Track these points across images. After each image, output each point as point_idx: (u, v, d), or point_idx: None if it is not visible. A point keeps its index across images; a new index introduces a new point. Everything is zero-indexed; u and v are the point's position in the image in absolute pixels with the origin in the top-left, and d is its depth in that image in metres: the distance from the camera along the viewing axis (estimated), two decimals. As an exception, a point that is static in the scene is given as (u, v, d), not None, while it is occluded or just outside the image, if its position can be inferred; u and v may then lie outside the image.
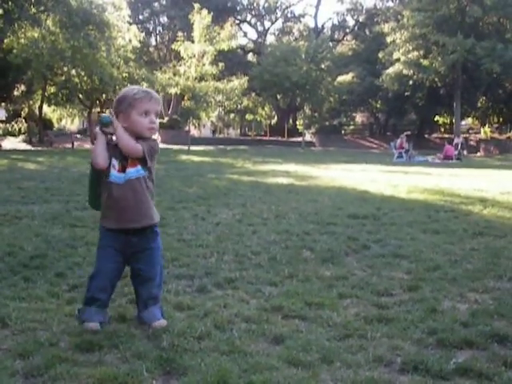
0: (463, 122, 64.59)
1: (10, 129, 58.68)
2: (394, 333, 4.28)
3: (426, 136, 64.44)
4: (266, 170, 22.59)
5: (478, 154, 50.19)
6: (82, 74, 45.63)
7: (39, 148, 40.82)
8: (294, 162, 28.24)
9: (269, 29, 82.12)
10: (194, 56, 41.23)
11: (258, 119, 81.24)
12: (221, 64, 41.77)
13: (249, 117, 79.61)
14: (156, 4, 71.46)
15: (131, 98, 4.32)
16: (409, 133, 48.70)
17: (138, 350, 3.84)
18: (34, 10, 38.41)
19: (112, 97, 46.07)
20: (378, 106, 69.34)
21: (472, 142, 54.04)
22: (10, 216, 9.47)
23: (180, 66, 42.84)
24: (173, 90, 43.96)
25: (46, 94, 48.65)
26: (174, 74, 43.02)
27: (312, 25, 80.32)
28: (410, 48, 52.85)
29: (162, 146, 44.75)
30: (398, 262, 6.61)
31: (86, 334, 4.09)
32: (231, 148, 49.93)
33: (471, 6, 49.31)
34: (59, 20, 41.36)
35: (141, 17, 70.28)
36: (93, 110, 52.39)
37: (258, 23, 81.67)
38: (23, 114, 58.06)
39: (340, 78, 60.22)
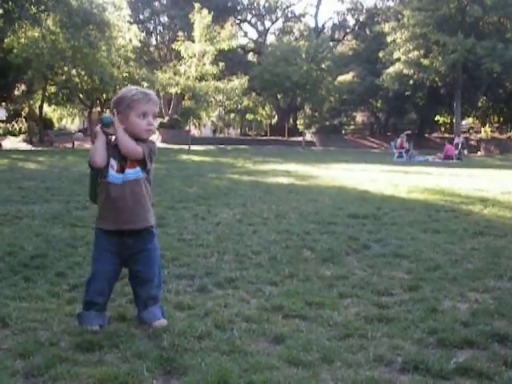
0: (464, 122, 64.57)
1: (10, 128, 58.64)
2: (394, 332, 4.28)
3: (427, 135, 64.45)
4: (266, 169, 22.59)
5: (479, 153, 50.18)
6: (83, 73, 45.59)
7: (39, 148, 40.80)
8: (294, 162, 28.24)
9: (269, 28, 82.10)
10: (195, 56, 41.16)
11: (259, 119, 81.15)
12: (221, 64, 41.71)
13: (249, 116, 79.53)
14: (156, 4, 71.40)
15: (129, 100, 4.31)
16: (409, 132, 48.70)
17: (138, 349, 3.85)
18: (34, 9, 38.34)
19: (112, 96, 46.00)
20: (379, 105, 69.33)
21: (472, 142, 54.03)
22: (11, 216, 9.48)
23: (180, 65, 42.76)
24: (173, 90, 43.89)
25: (46, 93, 48.61)
26: (175, 74, 42.95)
27: (312, 24, 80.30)
28: (411, 47, 52.83)
29: (162, 145, 44.98)
30: (399, 262, 6.62)
31: (86, 334, 4.09)
32: (231, 148, 49.91)
33: (471, 5, 49.31)
34: (59, 20, 41.31)
35: (141, 16, 70.21)
36: (93, 110, 52.39)
37: (259, 23, 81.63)
38: (23, 113, 58.03)
39: (340, 78, 60.20)
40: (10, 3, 37.06)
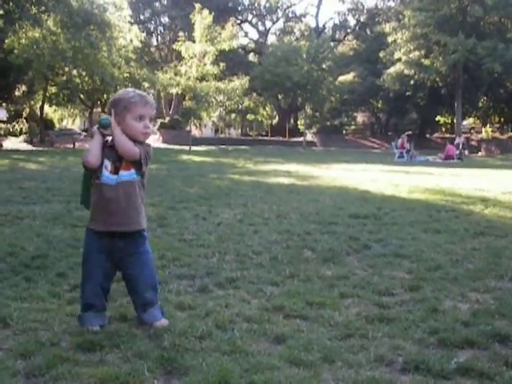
0: (465, 122, 64.55)
1: (11, 129, 58.64)
2: (395, 332, 4.28)
3: (428, 136, 64.37)
4: (267, 169, 22.60)
5: (480, 153, 50.15)
6: (83, 74, 45.67)
7: (40, 148, 40.80)
8: (295, 162, 28.25)
9: (270, 29, 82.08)
10: (195, 56, 41.19)
11: (259, 119, 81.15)
12: (222, 64, 41.74)
13: (250, 117, 79.51)
14: (157, 4, 71.42)
15: (127, 102, 4.30)
16: (410, 132, 48.76)
17: (139, 349, 3.85)
18: (34, 10, 38.36)
19: (113, 97, 46.00)
20: (379, 105, 69.31)
21: (473, 142, 54.01)
22: (12, 216, 9.48)
23: (181, 65, 42.79)
24: (174, 90, 43.92)
25: (47, 94, 48.63)
26: (175, 74, 42.98)
27: (313, 25, 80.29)
28: (411, 48, 52.80)
29: (163, 146, 45.04)
30: (399, 262, 6.62)
31: (87, 334, 4.09)
32: (232, 148, 49.92)
33: (472, 5, 49.29)
34: (60, 20, 41.37)
35: (142, 17, 70.23)
36: (94, 110, 52.43)
37: (259, 23, 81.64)
38: (24, 114, 58.07)
39: (341, 78, 60.17)
40: (11, 4, 37.09)
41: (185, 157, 32.20)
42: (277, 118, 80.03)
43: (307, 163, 27.61)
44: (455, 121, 57.00)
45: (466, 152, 41.40)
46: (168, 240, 7.64)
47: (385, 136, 64.73)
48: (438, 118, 66.57)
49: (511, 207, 11.55)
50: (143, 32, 57.33)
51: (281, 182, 16.92)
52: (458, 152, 36.32)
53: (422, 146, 47.66)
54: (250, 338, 4.11)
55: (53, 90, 49.55)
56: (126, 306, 4.76)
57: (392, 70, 53.50)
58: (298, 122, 76.22)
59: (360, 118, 77.76)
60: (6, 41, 40.59)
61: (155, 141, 52.14)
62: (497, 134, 57.88)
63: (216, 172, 20.54)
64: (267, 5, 77.98)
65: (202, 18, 40.61)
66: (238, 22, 74.46)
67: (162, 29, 74.55)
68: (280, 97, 66.11)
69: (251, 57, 79.62)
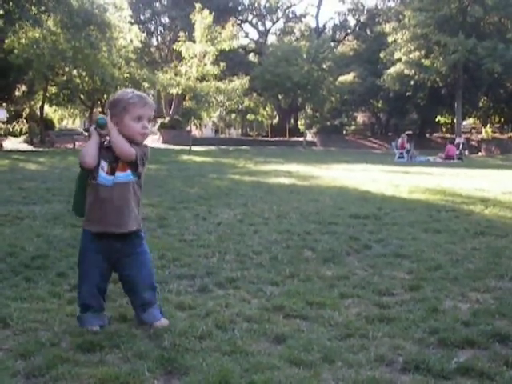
0: (465, 122, 64.53)
1: (11, 129, 58.60)
2: (395, 332, 4.28)
3: (428, 136, 64.39)
4: (267, 169, 22.59)
5: (480, 153, 50.16)
6: (84, 74, 45.64)
7: (40, 148, 40.80)
8: (295, 162, 28.24)
9: (270, 29, 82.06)
10: (196, 56, 41.18)
11: (260, 119, 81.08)
12: (222, 64, 41.72)
13: (250, 117, 79.45)
14: (157, 4, 71.42)
15: (125, 102, 4.29)
16: (410, 133, 48.79)
17: (139, 349, 3.85)
18: (34, 10, 38.31)
19: (113, 97, 45.96)
20: (380, 105, 69.28)
21: (473, 142, 54.02)
22: (12, 216, 9.49)
23: (181, 66, 42.78)
24: (174, 90, 43.91)
25: (47, 94, 48.59)
26: (176, 74, 42.97)
27: (313, 25, 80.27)
28: (412, 48, 52.79)
29: (163, 146, 45.04)
30: (400, 262, 6.62)
31: (87, 335, 4.09)
32: (233, 148, 49.92)
33: (472, 5, 49.28)
34: (60, 20, 41.36)
35: (142, 17, 70.21)
36: (94, 111, 52.42)
37: (260, 23, 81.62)
38: (24, 114, 58.00)
39: (341, 78, 60.17)
40: (11, 4, 37.05)
41: (185, 157, 32.20)
42: (277, 118, 80.00)
43: (307, 163, 27.60)
44: (455, 121, 56.99)
45: (466, 152, 41.41)
46: (168, 240, 7.64)
47: (385, 136, 64.72)
48: (438, 118, 66.57)
49: (511, 207, 11.55)
50: (143, 32, 57.32)
51: (281, 182, 16.92)
52: (458, 152, 36.31)
53: (422, 146, 47.64)
54: (250, 338, 4.11)
55: (53, 90, 49.52)
56: (125, 306, 4.76)
57: (392, 70, 53.49)
58: (299, 122, 76.27)
59: (360, 118, 77.76)
60: (6, 41, 40.56)
61: (155, 141, 52.20)
62: (497, 134, 57.89)
63: (216, 172, 20.54)
64: (267, 5, 77.97)
65: (202, 18, 40.60)
66: (238, 22, 74.51)
67: (162, 29, 74.57)
68: (280, 97, 66.10)
69: (251, 57, 79.57)
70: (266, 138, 70.55)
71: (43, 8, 38.92)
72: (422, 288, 5.52)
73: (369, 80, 59.34)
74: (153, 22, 73.43)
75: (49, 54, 40.68)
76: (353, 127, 74.66)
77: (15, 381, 3.43)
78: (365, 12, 74.60)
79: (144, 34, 56.45)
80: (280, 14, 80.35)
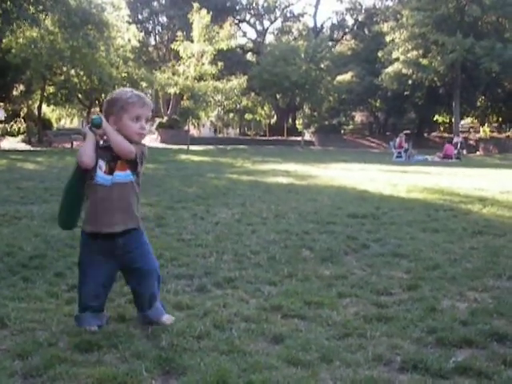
0: (463, 122, 64.56)
1: (9, 129, 58.51)
2: (393, 332, 4.28)
3: (426, 135, 64.41)
4: (265, 169, 22.58)
5: (478, 153, 50.16)
6: (81, 73, 45.58)
7: (38, 148, 40.72)
8: (293, 162, 28.23)
9: (268, 28, 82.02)
10: (193, 55, 41.16)
11: (258, 119, 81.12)
12: (220, 63, 41.71)
13: (248, 116, 79.50)
14: (155, 4, 71.31)
15: (124, 102, 4.28)
16: (408, 132, 48.82)
17: (137, 349, 3.85)
18: (32, 9, 38.22)
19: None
20: (378, 105, 69.27)
21: (471, 142, 54.03)
22: (9, 216, 9.48)
23: (179, 65, 42.77)
24: (172, 90, 43.89)
25: (45, 93, 48.56)
26: (173, 74, 42.96)
27: (311, 24, 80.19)
28: (410, 47, 52.79)
29: (161, 145, 45.04)
30: (398, 261, 6.62)
31: (84, 334, 4.09)
32: (231, 147, 49.87)
33: (470, 5, 49.25)
34: (58, 20, 41.28)
35: (140, 16, 70.14)
36: (92, 110, 52.38)
37: (257, 23, 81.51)
38: (22, 113, 57.95)
39: (339, 78, 60.13)
40: (9, 3, 36.97)
41: (183, 156, 32.18)
42: (275, 117, 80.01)
43: (305, 163, 27.60)
44: (453, 120, 57.01)
45: (464, 151, 41.40)
46: (166, 240, 7.64)
47: (383, 135, 64.73)
48: (436, 117, 66.61)
49: (509, 206, 11.57)
50: (141, 32, 57.29)
51: (279, 181, 16.91)
52: (456, 151, 36.33)
53: (420, 146, 47.60)
54: (247, 338, 4.11)
55: (51, 89, 49.49)
56: (123, 306, 4.76)
57: (390, 69, 53.47)
58: (296, 122, 76.29)
59: (358, 117, 77.77)
60: (4, 40, 40.50)
61: (153, 140, 52.13)
62: (495, 134, 57.91)
63: (214, 172, 20.53)
64: (265, 4, 77.90)
65: (200, 18, 40.59)
66: (236, 21, 74.50)
67: (160, 28, 74.48)
68: (278, 96, 66.16)
69: (249, 56, 79.52)
70: (263, 138, 70.48)
71: (41, 7, 38.84)
72: (420, 287, 5.52)
73: (367, 79, 59.30)
74: (151, 22, 73.34)
75: (47, 53, 40.62)
76: (351, 126, 74.67)
77: (13, 381, 3.43)
78: (363, 11, 74.61)
79: (142, 34, 56.44)
80: (278, 13, 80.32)
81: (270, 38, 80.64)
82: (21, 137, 52.70)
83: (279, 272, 6.05)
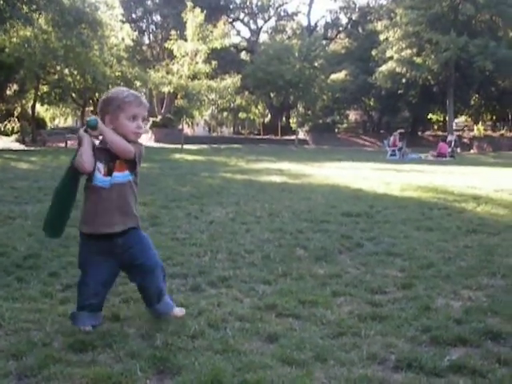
0: (458, 120, 64.65)
1: (2, 128, 58.54)
2: (387, 330, 4.28)
3: (420, 133, 64.52)
4: (259, 168, 22.57)
5: (472, 151, 50.26)
6: (75, 72, 45.58)
7: (32, 147, 40.70)
8: (287, 161, 28.23)
9: (262, 27, 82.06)
10: (187, 54, 41.16)
11: (252, 117, 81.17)
12: (214, 62, 41.70)
13: (242, 115, 79.56)
14: (149, 2, 71.26)
15: (120, 101, 4.26)
16: (402, 130, 48.69)
17: (131, 349, 3.84)
18: (26, 8, 38.17)
19: (105, 96, 45.96)
20: (371, 103, 69.39)
21: (465, 140, 54.13)
22: (3, 216, 9.45)
23: (173, 64, 42.76)
24: (166, 89, 43.92)
25: (38, 93, 48.58)
26: (167, 73, 42.95)
27: (305, 23, 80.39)
28: (403, 46, 52.93)
29: (155, 144, 44.97)
30: (392, 260, 6.62)
31: (79, 334, 4.08)
32: (224, 146, 49.90)
33: (464, 3, 49.38)
34: (52, 19, 41.24)
35: (134, 15, 70.13)
36: (86, 109, 52.34)
37: (251, 21, 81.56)
38: (16, 113, 57.94)
39: (333, 76, 60.24)
40: (2, 2, 36.89)
41: (177, 155, 32.16)
42: (269, 116, 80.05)
43: (299, 161, 27.60)
44: (447, 119, 57.13)
45: (458, 150, 41.48)
46: (160, 239, 7.63)
47: (377, 134, 64.84)
48: (430, 115, 66.75)
49: (503, 205, 11.58)
50: (135, 31, 57.35)
51: (273, 180, 16.91)
52: (450, 150, 36.38)
53: (414, 144, 47.67)
54: (242, 337, 4.11)
55: (44, 88, 49.51)
56: (118, 305, 4.76)
57: (384, 68, 53.60)
58: (290, 121, 76.26)
59: (352, 116, 77.85)
60: (-3, 40, 40.53)
61: (147, 139, 52.09)
62: (489, 132, 58.04)
63: (208, 171, 20.51)
64: (259, 3, 77.89)
65: (193, 17, 40.58)
66: (230, 20, 74.47)
67: (153, 27, 74.42)
68: (272, 95, 66.23)
69: (243, 55, 79.56)
70: (257, 137, 70.57)
71: (34, 6, 38.80)
72: (415, 286, 5.52)
73: (361, 78, 59.40)
74: (144, 21, 73.32)
75: (40, 52, 40.61)
76: (345, 125, 74.78)
77: (7, 381, 3.42)
78: (356, 10, 74.73)
79: (136, 33, 56.50)
80: (272, 12, 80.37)
81: (263, 37, 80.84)
82: (15, 136, 52.74)
83: (273, 271, 6.05)
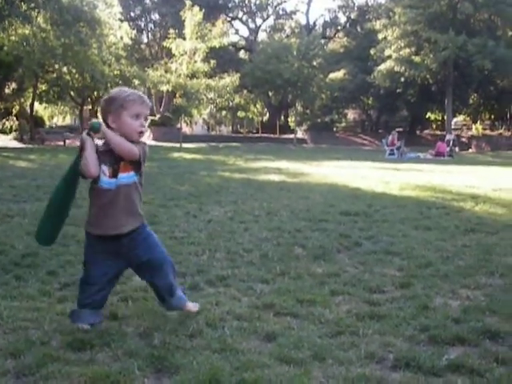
0: (455, 119, 64.60)
1: (1, 127, 58.44)
2: (385, 329, 4.28)
3: (418, 133, 64.49)
4: (257, 167, 22.58)
5: (470, 150, 50.26)
6: (74, 71, 45.54)
7: (30, 146, 40.68)
8: (285, 159, 28.23)
9: (260, 26, 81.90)
10: (186, 53, 41.18)
11: (250, 116, 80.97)
12: (212, 61, 41.74)
13: (240, 114, 79.38)
14: (147, 1, 71.17)
15: (123, 100, 4.25)
16: (400, 129, 48.85)
17: (129, 348, 3.84)
18: (24, 6, 38.17)
19: (104, 94, 45.99)
20: (370, 102, 69.28)
21: (464, 139, 54.14)
22: (2, 214, 9.45)
23: (171, 63, 42.79)
24: (164, 88, 43.92)
25: (37, 91, 48.51)
26: (166, 72, 42.96)
27: (304, 22, 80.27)
28: (402, 45, 52.89)
29: (153, 143, 45.04)
30: (390, 259, 6.62)
31: (77, 333, 4.08)
32: (223, 145, 49.87)
33: (462, 2, 49.33)
34: (50, 17, 41.21)
35: (132, 14, 70.04)
36: (84, 108, 52.31)
37: (250, 20, 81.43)
38: (14, 111, 57.78)
39: (332, 75, 60.18)
40: (0, 0, 36.90)
41: (175, 154, 32.16)
42: (267, 115, 79.93)
43: (298, 160, 27.60)
44: (446, 118, 57.13)
45: (457, 149, 41.49)
46: (159, 237, 7.60)
47: (375, 133, 64.75)
48: (428, 114, 66.67)
49: (501, 204, 11.58)
50: (133, 29, 57.24)
51: (271, 179, 16.91)
52: (448, 149, 36.39)
53: (413, 143, 47.68)
54: (240, 336, 4.11)
55: (43, 87, 49.45)
56: (116, 304, 4.75)
57: (382, 67, 53.54)
58: (289, 119, 76.18)
59: (351, 115, 77.75)
60: (-4, 38, 40.50)
61: (146, 138, 52.00)
62: (487, 131, 58.05)
63: (206, 169, 20.51)
64: (257, 2, 77.79)
65: (192, 15, 40.61)
66: (229, 19, 74.43)
67: (152, 26, 74.31)
68: (270, 94, 66.22)
69: (242, 54, 79.46)
70: (256, 135, 70.48)
71: (33, 5, 38.77)
72: (413, 285, 5.52)
73: (359, 77, 59.35)
74: (143, 19, 73.19)
75: (39, 51, 40.55)
76: (343, 124, 74.61)
77: (5, 380, 3.42)
78: (355, 9, 74.65)
79: (134, 31, 56.38)
80: (270, 11, 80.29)
81: (262, 36, 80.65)
82: (13, 134, 52.58)
83: (271, 270, 6.05)
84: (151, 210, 10.05)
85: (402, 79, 53.25)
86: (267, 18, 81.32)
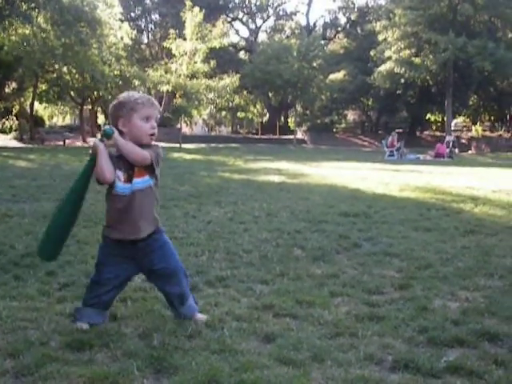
0: (455, 121, 64.63)
1: (1, 126, 58.47)
2: (384, 331, 4.28)
3: (418, 134, 64.51)
4: (257, 167, 22.57)
5: (470, 151, 50.27)
6: (74, 71, 45.54)
7: (30, 145, 40.68)
8: (285, 160, 28.22)
9: (260, 27, 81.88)
10: (186, 54, 41.23)
11: (250, 117, 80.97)
12: (212, 62, 41.77)
13: (240, 114, 79.38)
14: (148, 1, 71.21)
15: (133, 103, 4.25)
16: (400, 131, 48.83)
17: (128, 348, 3.84)
18: (25, 6, 38.21)
19: (103, 94, 46.06)
20: (370, 104, 69.34)
21: (464, 140, 54.16)
22: (1, 214, 9.44)
23: (171, 63, 42.85)
24: (164, 88, 43.94)
25: (37, 91, 48.52)
26: (166, 72, 43.00)
27: (304, 23, 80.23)
28: (402, 46, 52.91)
29: (153, 143, 44.94)
30: (389, 260, 6.62)
31: (76, 333, 4.08)
32: (223, 146, 49.85)
33: (463, 4, 49.35)
34: (50, 17, 41.24)
35: (132, 14, 70.02)
36: (84, 108, 52.32)
37: (250, 21, 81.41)
38: (14, 111, 57.82)
39: (332, 76, 60.24)
40: (1, 0, 36.92)
41: (175, 154, 32.11)
42: (267, 115, 79.89)
43: (297, 161, 27.59)
44: (445, 119, 57.14)
45: (457, 150, 41.49)
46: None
47: (375, 134, 64.82)
48: (428, 116, 66.71)
49: (501, 205, 11.59)
50: (134, 29, 57.21)
51: (271, 180, 16.90)
52: (448, 150, 36.39)
53: (413, 144, 47.67)
54: (239, 337, 4.11)
55: (43, 87, 49.46)
56: (115, 304, 4.74)
57: (382, 68, 53.55)
58: (289, 120, 76.27)
59: (350, 116, 77.79)
60: (-4, 38, 40.52)
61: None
62: (487, 133, 58.07)
63: (206, 170, 20.50)
64: (258, 3, 77.79)
65: (192, 16, 40.65)
66: (229, 19, 74.43)
67: (152, 26, 74.32)
68: (270, 95, 66.19)
69: (242, 55, 79.43)
70: (256, 136, 70.51)
71: (33, 5, 38.81)
72: (412, 287, 5.52)
73: (359, 78, 59.40)
74: (143, 20, 73.19)
75: (39, 50, 40.58)
76: (343, 125, 74.66)
77: (4, 380, 3.42)
78: (355, 10, 74.61)
79: (134, 32, 56.37)
80: (270, 11, 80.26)
81: (262, 37, 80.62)
82: (13, 134, 52.61)
83: (271, 271, 6.05)
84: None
85: (402, 80, 53.28)
86: (267, 19, 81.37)
